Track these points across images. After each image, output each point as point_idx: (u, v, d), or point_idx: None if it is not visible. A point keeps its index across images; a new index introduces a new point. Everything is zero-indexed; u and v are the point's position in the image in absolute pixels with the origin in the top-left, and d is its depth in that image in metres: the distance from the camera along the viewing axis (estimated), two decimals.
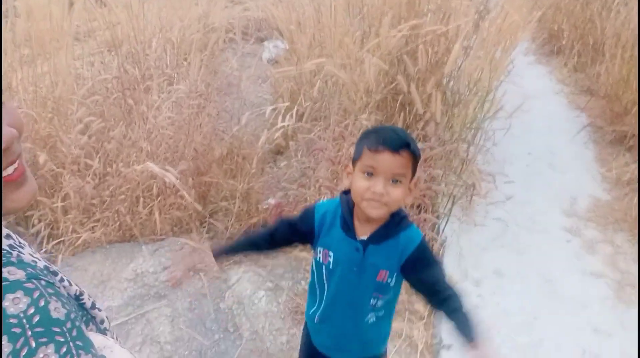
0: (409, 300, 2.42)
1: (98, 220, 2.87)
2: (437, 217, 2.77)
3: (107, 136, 2.88)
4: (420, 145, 2.49)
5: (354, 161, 1.28)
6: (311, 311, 1.46)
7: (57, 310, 0.57)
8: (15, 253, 0.63)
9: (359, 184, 1.22)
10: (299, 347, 2.14)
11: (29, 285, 0.57)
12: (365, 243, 1.29)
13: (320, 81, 3.16)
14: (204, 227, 3.10)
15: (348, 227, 1.31)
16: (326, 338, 1.45)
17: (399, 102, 3.08)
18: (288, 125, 2.87)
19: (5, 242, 0.64)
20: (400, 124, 2.85)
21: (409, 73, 2.93)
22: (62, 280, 0.67)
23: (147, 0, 3.57)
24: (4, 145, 0.57)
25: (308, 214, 1.39)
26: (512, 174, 3.24)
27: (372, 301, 1.33)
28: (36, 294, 0.56)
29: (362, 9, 3.31)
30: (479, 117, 2.73)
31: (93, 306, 0.73)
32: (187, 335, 2.15)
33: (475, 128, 2.79)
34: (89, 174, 2.81)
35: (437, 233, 2.70)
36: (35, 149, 2.79)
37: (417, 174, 1.30)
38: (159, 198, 2.88)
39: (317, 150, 2.53)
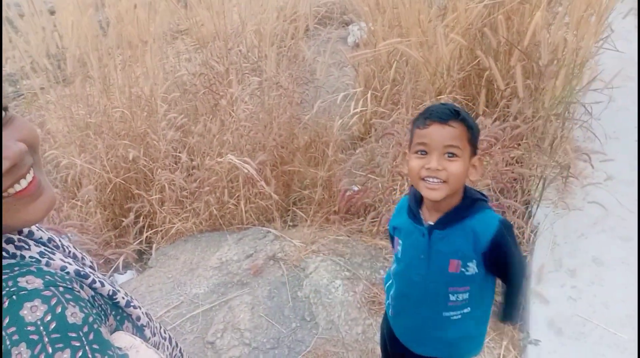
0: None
1: (189, 211, 3.05)
2: (527, 202, 2.57)
3: (191, 131, 3.04)
4: (498, 124, 2.33)
5: (409, 145, 1.26)
6: (386, 303, 1.46)
7: (74, 315, 0.59)
8: (44, 260, 0.66)
9: (413, 164, 1.19)
10: (375, 337, 2.13)
11: (46, 292, 0.59)
12: (430, 228, 1.24)
13: (397, 62, 3.05)
14: (288, 215, 3.17)
15: (413, 214, 1.29)
16: (404, 330, 1.41)
17: (484, 79, 2.89)
18: (362, 110, 2.80)
19: (35, 249, 0.68)
20: (483, 103, 2.67)
21: (492, 47, 2.74)
22: (93, 281, 0.70)
23: None
24: (12, 162, 0.59)
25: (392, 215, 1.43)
26: (616, 151, 2.90)
27: (452, 298, 1.26)
28: (53, 301, 0.59)
29: None
30: (571, 89, 2.47)
31: (128, 304, 0.75)
32: (266, 323, 2.22)
33: (568, 102, 2.53)
34: (178, 168, 2.99)
35: (527, 219, 2.51)
36: (128, 146, 3.01)
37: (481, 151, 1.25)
38: (245, 189, 2.99)
39: (388, 134, 2.45)
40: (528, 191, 2.58)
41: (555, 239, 2.47)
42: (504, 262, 1.24)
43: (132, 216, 2.87)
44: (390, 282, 1.43)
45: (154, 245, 2.90)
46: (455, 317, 1.27)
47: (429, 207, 1.26)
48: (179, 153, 3.11)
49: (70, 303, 0.60)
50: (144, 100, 3.31)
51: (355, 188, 3.03)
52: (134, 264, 2.82)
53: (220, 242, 2.82)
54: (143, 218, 3.09)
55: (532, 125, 2.32)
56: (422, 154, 1.17)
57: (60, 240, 0.77)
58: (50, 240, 0.74)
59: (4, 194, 0.61)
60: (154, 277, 2.64)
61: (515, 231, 2.48)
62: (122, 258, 2.68)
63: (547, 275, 2.30)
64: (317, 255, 2.60)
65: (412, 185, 1.34)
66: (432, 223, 1.25)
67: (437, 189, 1.17)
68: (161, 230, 3.02)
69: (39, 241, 0.71)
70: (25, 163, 0.62)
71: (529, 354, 1.99)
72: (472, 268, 1.23)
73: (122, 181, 3.13)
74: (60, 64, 3.48)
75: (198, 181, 2.94)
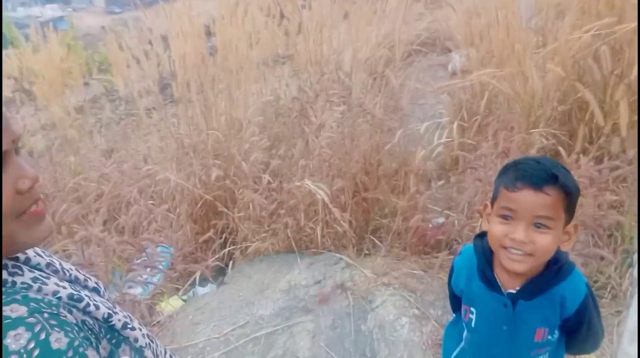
0: None
1: (267, 231, 3.12)
2: (627, 251, 2.27)
3: (274, 154, 3.13)
4: (593, 164, 2.09)
5: (493, 201, 1.11)
6: None
7: (58, 341, 0.60)
8: (36, 286, 0.68)
9: (495, 229, 1.06)
10: None
11: (30, 320, 0.61)
12: (514, 297, 1.11)
13: (489, 93, 2.90)
14: (365, 243, 3.11)
15: (489, 280, 1.14)
16: None
17: (588, 113, 2.65)
18: (448, 141, 2.69)
19: (29, 275, 0.69)
20: (581, 140, 2.43)
21: (595, 79, 2.50)
22: (87, 305, 0.71)
23: (326, 25, 3.76)
24: (32, 181, 0.66)
25: (449, 276, 1.29)
26: None
27: None
28: (37, 328, 0.60)
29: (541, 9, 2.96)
30: None
31: (124, 326, 0.76)
32: (325, 354, 2.18)
33: None
34: (259, 189, 3.08)
35: (625, 270, 2.22)
36: (217, 165, 3.16)
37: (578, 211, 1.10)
38: (323, 213, 2.99)
39: (470, 168, 2.31)
40: (630, 240, 2.29)
41: None
42: (581, 327, 1.12)
43: (211, 231, 3.00)
44: (458, 350, 1.28)
45: (231, 262, 3.00)
46: None
47: (508, 270, 1.12)
48: (263, 174, 3.21)
49: (55, 328, 0.61)
50: (237, 123, 3.48)
51: (440, 221, 2.90)
52: (210, 279, 2.93)
53: (292, 265, 2.84)
54: (228, 234, 3.22)
55: (636, 167, 2.06)
56: (506, 219, 1.04)
57: (61, 264, 0.79)
58: (48, 265, 0.76)
59: (25, 212, 0.66)
60: (226, 293, 2.73)
61: (612, 283, 2.22)
62: (198, 273, 2.79)
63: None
64: (387, 287, 2.51)
65: (478, 236, 1.20)
66: (513, 292, 1.11)
67: (520, 261, 1.03)
68: (240, 248, 3.12)
69: (35, 267, 0.73)
70: (37, 188, 0.68)
71: None
72: (554, 335, 1.14)
73: (211, 198, 3.29)
74: (169, 87, 3.79)
75: (276, 202, 3.00)
